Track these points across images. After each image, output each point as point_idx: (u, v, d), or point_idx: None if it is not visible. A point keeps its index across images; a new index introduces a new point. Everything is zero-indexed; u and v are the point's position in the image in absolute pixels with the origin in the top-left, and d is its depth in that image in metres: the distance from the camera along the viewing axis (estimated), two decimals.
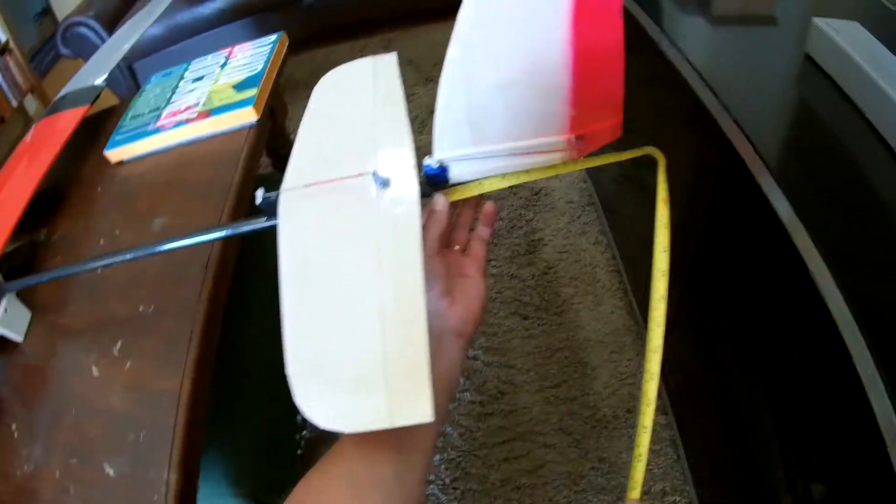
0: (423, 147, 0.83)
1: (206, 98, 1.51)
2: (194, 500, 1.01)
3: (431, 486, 2.14)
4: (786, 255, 1.03)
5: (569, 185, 2.98)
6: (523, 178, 0.89)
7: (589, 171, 2.86)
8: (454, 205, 0.88)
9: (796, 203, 1.04)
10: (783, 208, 1.06)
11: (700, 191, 1.56)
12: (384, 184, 0.77)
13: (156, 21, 1.71)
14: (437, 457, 2.20)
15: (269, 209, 0.82)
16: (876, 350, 0.87)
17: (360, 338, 0.67)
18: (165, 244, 0.93)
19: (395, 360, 0.64)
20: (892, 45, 1.16)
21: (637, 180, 2.12)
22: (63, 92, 1.59)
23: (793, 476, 1.26)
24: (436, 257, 0.82)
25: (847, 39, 1.20)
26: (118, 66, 1.61)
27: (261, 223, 0.87)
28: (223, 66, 1.62)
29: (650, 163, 0.93)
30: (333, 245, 0.75)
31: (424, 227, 0.83)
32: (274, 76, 1.58)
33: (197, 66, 1.67)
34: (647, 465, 1.90)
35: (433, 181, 0.86)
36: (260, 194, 0.84)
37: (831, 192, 1.08)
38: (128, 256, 0.95)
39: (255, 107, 1.44)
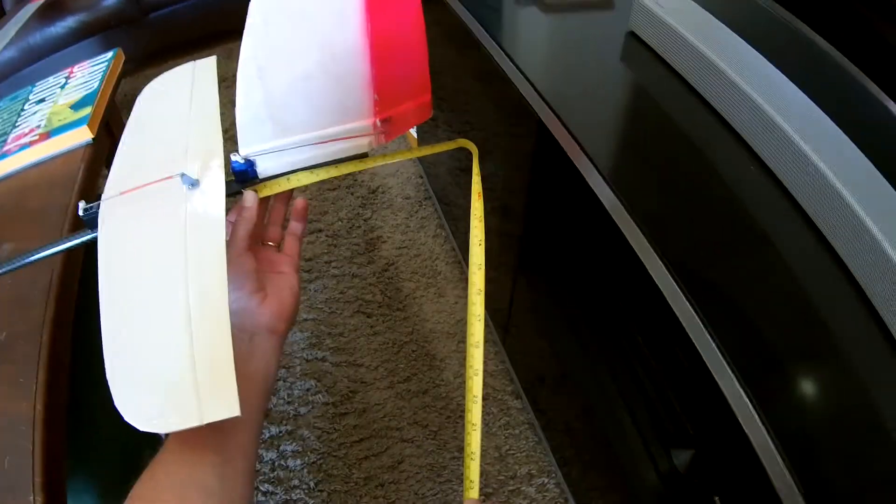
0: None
1: (47, 119, 1.48)
2: None
3: (297, 492, 2.13)
4: (611, 236, 1.06)
5: (405, 182, 3.00)
6: (333, 173, 0.89)
7: (424, 166, 2.90)
8: (265, 201, 0.87)
9: (616, 184, 1.07)
10: (603, 191, 1.08)
11: (526, 181, 1.58)
12: (192, 184, 0.76)
13: (9, 43, 1.66)
14: (298, 461, 2.18)
15: (91, 221, 0.81)
16: (709, 321, 0.90)
17: (169, 339, 0.66)
18: None
19: (202, 358, 0.64)
20: (723, 14, 1.20)
21: (471, 171, 2.12)
22: None
23: (651, 446, 1.29)
24: (246, 254, 0.81)
25: (668, 11, 1.23)
26: None
27: (85, 235, 0.84)
28: (63, 86, 1.59)
29: (483, 154, 0.93)
30: (145, 249, 0.74)
31: (233, 225, 0.83)
32: (109, 93, 1.55)
33: (40, 87, 1.63)
34: (510, 450, 1.93)
35: (241, 177, 0.85)
36: (81, 206, 0.82)
37: (653, 168, 1.10)
38: None
39: (90, 125, 1.43)
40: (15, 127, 1.50)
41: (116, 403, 0.63)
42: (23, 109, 1.56)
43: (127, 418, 0.62)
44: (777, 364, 0.88)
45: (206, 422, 0.60)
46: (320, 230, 2.80)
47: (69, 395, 1.12)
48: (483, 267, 0.91)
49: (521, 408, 2.25)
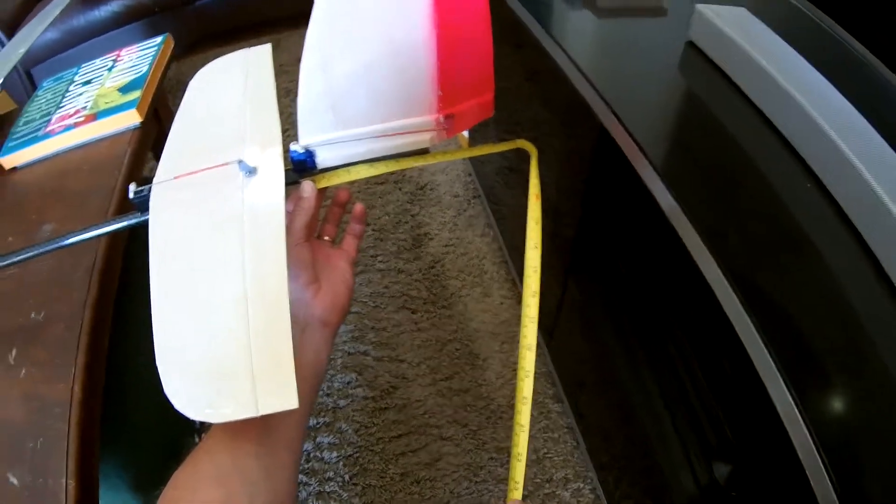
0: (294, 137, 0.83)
1: (93, 102, 1.48)
2: None
3: (331, 484, 2.12)
4: (667, 241, 1.04)
5: (454, 179, 2.99)
6: (393, 167, 0.89)
7: (473, 164, 2.89)
8: (322, 193, 0.87)
9: (675, 190, 1.05)
10: (662, 196, 1.07)
11: (582, 183, 1.57)
12: (250, 172, 0.76)
13: (52, 25, 1.67)
14: (335, 454, 2.18)
15: (142, 204, 0.80)
16: (763, 329, 0.88)
17: (224, 328, 0.66)
18: (37, 249, 0.90)
19: (259, 348, 0.64)
20: (780, 27, 1.18)
21: (521, 172, 2.12)
22: None
23: (692, 456, 1.27)
24: (302, 245, 0.81)
25: (729, 22, 1.22)
26: (17, 71, 1.56)
27: (134, 218, 0.85)
28: (110, 69, 1.60)
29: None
30: (199, 235, 0.74)
31: (291, 215, 0.82)
32: (158, 78, 1.56)
33: (86, 69, 1.63)
34: (547, 454, 1.92)
35: (300, 167, 0.85)
36: (132, 189, 0.82)
37: (711, 176, 1.09)
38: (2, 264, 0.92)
39: (139, 109, 1.43)
40: (59, 108, 1.50)
41: (167, 392, 0.63)
42: (67, 91, 1.56)
43: (178, 407, 0.62)
44: (828, 376, 0.87)
45: (262, 413, 0.60)
46: (367, 224, 2.73)
47: (105, 380, 1.12)
48: (539, 270, 0.90)
49: (561, 411, 2.23)
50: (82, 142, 1.43)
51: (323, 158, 0.86)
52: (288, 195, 0.77)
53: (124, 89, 1.49)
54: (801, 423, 0.82)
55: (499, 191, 2.56)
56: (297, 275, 0.80)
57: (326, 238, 0.91)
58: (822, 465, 0.80)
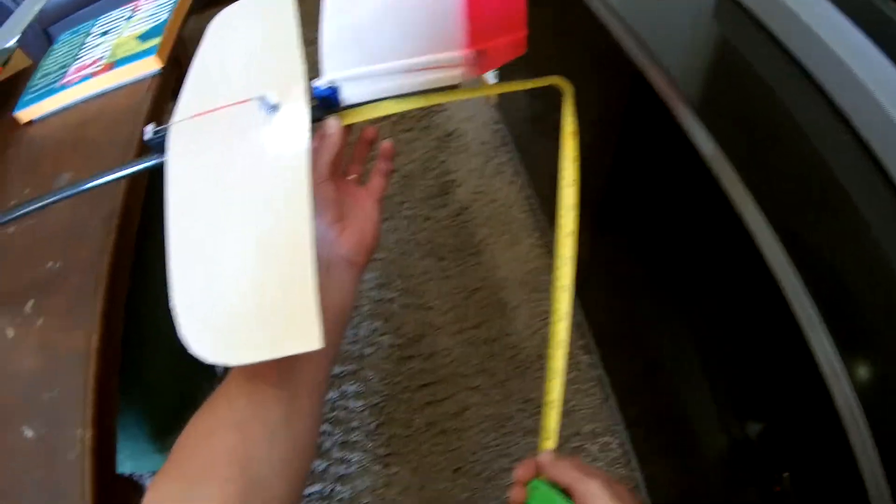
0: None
1: (111, 51, 1.44)
2: (113, 455, 0.98)
3: (356, 433, 2.13)
4: (706, 188, 1.01)
5: (482, 126, 2.94)
6: (422, 103, 0.85)
7: (502, 111, 2.85)
8: (348, 130, 0.84)
9: (718, 136, 1.02)
10: (704, 142, 1.03)
11: (612, 127, 1.53)
12: (272, 108, 0.73)
13: None
14: (360, 402, 2.18)
15: (160, 145, 0.78)
16: (808, 283, 0.86)
17: (244, 268, 0.64)
18: (55, 195, 0.87)
19: (281, 288, 0.62)
20: None
21: (551, 120, 2.07)
22: None
23: (725, 414, 1.25)
24: (327, 183, 0.79)
25: None
26: (34, 30, 1.55)
27: (151, 160, 0.82)
28: (129, 18, 1.55)
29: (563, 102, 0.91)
30: (219, 174, 0.72)
31: (315, 152, 0.79)
32: (179, 25, 1.52)
33: (104, 21, 1.60)
34: (576, 406, 1.90)
35: (324, 104, 0.82)
36: (149, 129, 0.80)
37: (752, 125, 1.06)
38: (17, 213, 0.89)
39: (159, 55, 1.39)
40: (77, 59, 1.47)
41: (183, 335, 0.62)
42: (85, 42, 1.53)
43: (195, 351, 0.61)
44: (873, 333, 0.83)
45: (283, 354, 0.58)
46: (394, 171, 2.70)
47: (124, 328, 1.11)
48: (575, 208, 0.88)
49: (590, 363, 2.21)
50: (100, 91, 1.40)
51: (348, 94, 0.82)
52: (312, 132, 0.74)
53: (143, 37, 1.45)
54: (843, 379, 0.80)
55: (527, 139, 2.53)
56: (321, 213, 0.78)
57: (352, 177, 0.89)
58: (863, 423, 0.77)
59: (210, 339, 0.61)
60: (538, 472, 0.84)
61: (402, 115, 2.88)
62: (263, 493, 0.64)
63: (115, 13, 1.60)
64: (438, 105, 2.93)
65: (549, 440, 0.86)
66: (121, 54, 1.41)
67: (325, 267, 0.76)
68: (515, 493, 0.85)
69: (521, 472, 0.84)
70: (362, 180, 0.90)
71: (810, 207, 0.95)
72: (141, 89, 1.37)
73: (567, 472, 0.78)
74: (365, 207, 0.85)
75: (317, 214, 0.75)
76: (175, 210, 0.69)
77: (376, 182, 0.90)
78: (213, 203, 0.70)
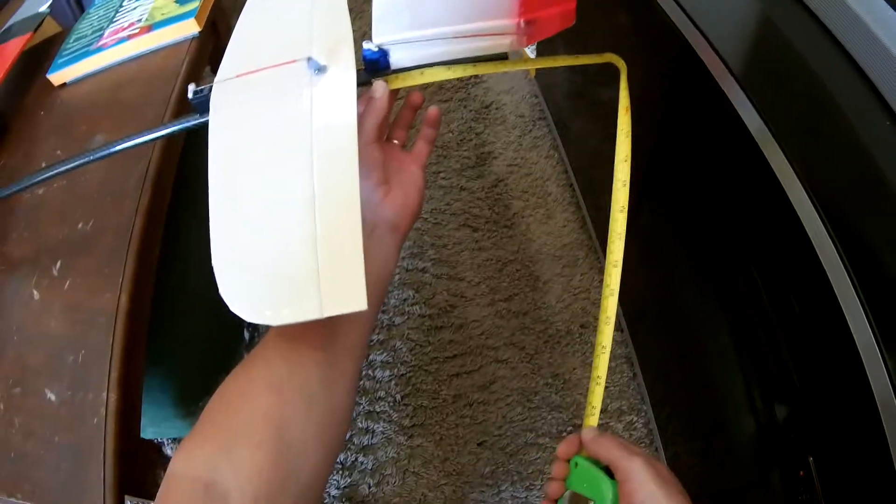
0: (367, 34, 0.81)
1: (149, 14, 1.43)
2: (137, 419, 0.99)
3: (382, 403, 2.12)
4: (751, 165, 1.01)
5: (520, 100, 2.92)
6: (470, 71, 0.85)
7: (541, 85, 2.83)
8: (395, 94, 0.84)
9: (765, 112, 1.01)
10: (751, 118, 1.03)
11: (659, 102, 1.52)
12: (320, 70, 0.73)
13: None
14: (387, 372, 2.17)
15: (202, 105, 0.78)
16: (852, 264, 0.85)
17: (289, 228, 0.64)
18: (90, 155, 0.87)
19: (327, 248, 0.62)
20: None
21: (591, 95, 2.08)
22: (8, 24, 1.52)
23: (754, 396, 1.24)
24: (373, 145, 0.80)
25: None
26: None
27: (193, 120, 0.82)
28: None
29: (604, 78, 0.92)
30: (264, 135, 0.72)
31: (362, 115, 0.79)
32: None
33: None
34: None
35: (372, 67, 0.82)
36: (192, 89, 0.80)
37: (797, 104, 1.05)
38: (50, 173, 0.89)
39: (198, 18, 1.38)
40: (112, 22, 1.46)
41: (223, 294, 0.61)
42: (121, 6, 1.52)
43: (235, 309, 0.60)
44: None
45: (327, 315, 0.58)
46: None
47: (153, 292, 1.11)
48: (628, 184, 0.87)
49: (620, 340, 2.20)
50: (136, 54, 1.39)
51: (397, 59, 0.82)
52: (359, 96, 0.74)
53: (182, 1, 1.44)
54: (882, 365, 0.79)
55: (566, 114, 2.51)
56: (366, 175, 0.78)
57: (396, 142, 0.89)
58: None
59: (250, 298, 0.61)
60: (580, 449, 0.84)
61: (440, 86, 2.86)
62: (298, 459, 0.64)
63: None
64: (477, 77, 2.92)
65: (594, 416, 0.87)
66: (158, 17, 1.40)
67: (369, 230, 0.76)
68: (557, 469, 0.85)
69: (563, 447, 0.85)
70: (406, 146, 0.90)
71: (856, 189, 0.94)
72: (178, 52, 1.37)
73: (610, 450, 0.78)
74: (409, 172, 0.85)
75: (362, 176, 0.75)
76: (217, 169, 0.69)
77: (421, 147, 0.90)
78: (256, 162, 0.70)
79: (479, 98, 2.92)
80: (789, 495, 1.10)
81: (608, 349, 0.87)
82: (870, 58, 1.03)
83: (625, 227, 0.86)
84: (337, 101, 0.70)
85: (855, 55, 1.04)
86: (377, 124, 0.80)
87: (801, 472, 1.04)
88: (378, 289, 0.77)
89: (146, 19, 1.42)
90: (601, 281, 2.28)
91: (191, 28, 1.38)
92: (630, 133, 0.89)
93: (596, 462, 0.81)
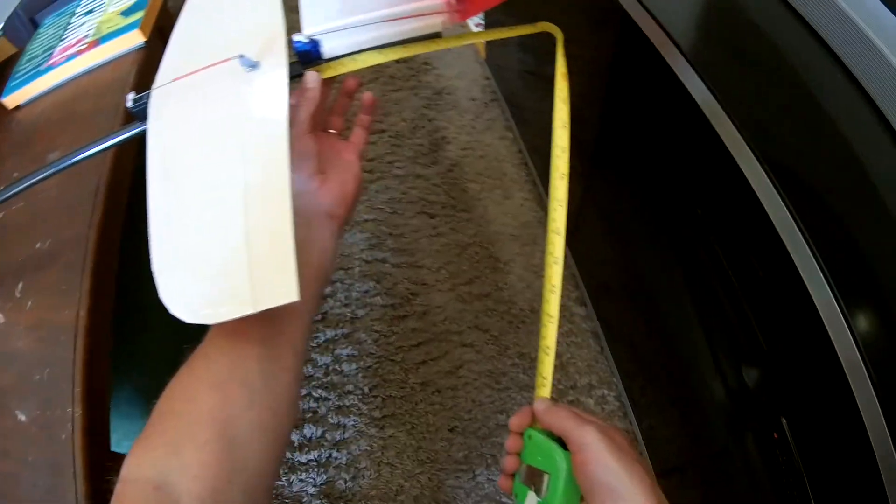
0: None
1: (96, 28, 1.44)
2: (106, 433, 0.99)
3: (351, 397, 2.11)
4: (699, 134, 1.01)
5: (471, 83, 2.92)
6: (402, 53, 0.85)
7: (492, 68, 2.84)
8: (329, 83, 0.86)
9: (709, 80, 1.01)
10: (695, 87, 1.03)
11: (603, 78, 1.52)
12: (252, 66, 0.75)
13: None
14: (354, 365, 2.16)
15: (142, 113, 0.79)
16: (805, 225, 0.85)
17: (224, 225, 0.65)
18: (38, 175, 0.88)
19: (259, 242, 0.63)
20: None
21: (542, 73, 2.09)
22: None
23: (722, 362, 1.25)
24: (307, 136, 0.81)
25: None
26: (19, 17, 1.54)
27: (134, 129, 0.83)
28: None
29: (553, 57, 0.91)
30: (198, 135, 0.73)
31: (295, 107, 0.81)
32: (162, 1, 1.52)
33: (88, 0, 1.60)
34: (571, 359, 1.89)
35: (305, 58, 0.83)
36: (130, 98, 0.81)
37: (742, 68, 1.05)
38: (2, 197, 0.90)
39: (142, 28, 1.40)
40: (62, 40, 1.47)
41: (162, 297, 0.63)
42: (69, 23, 1.52)
43: (173, 311, 0.62)
44: (873, 277, 0.83)
45: (260, 308, 0.59)
46: (383, 130, 2.72)
47: (117, 304, 1.11)
48: (567, 151, 0.87)
49: (585, 315, 2.21)
50: (86, 69, 1.39)
51: (329, 48, 0.83)
52: (294, 89, 0.76)
53: (127, 12, 1.45)
54: (843, 322, 0.79)
55: (519, 94, 2.51)
56: (301, 166, 0.79)
57: (333, 131, 0.90)
58: (863, 367, 0.77)
59: (187, 300, 0.62)
60: (533, 421, 0.83)
61: (390, 76, 2.85)
62: (243, 453, 0.64)
63: None
64: (427, 64, 2.92)
65: (545, 387, 0.86)
66: (105, 31, 1.41)
67: (305, 221, 0.75)
68: (511, 442, 0.85)
69: (515, 420, 0.85)
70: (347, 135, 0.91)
71: (806, 149, 0.93)
72: (126, 63, 1.38)
73: (562, 421, 0.77)
74: (346, 160, 0.86)
75: (296, 168, 0.76)
76: (155, 173, 0.70)
77: (357, 134, 0.92)
78: (192, 164, 0.70)
79: (430, 85, 2.91)
80: (766, 458, 1.10)
81: (556, 318, 0.85)
82: (820, 16, 1.02)
83: (566, 194, 0.86)
84: (268, 96, 0.71)
85: (805, 15, 1.04)
86: (310, 115, 0.81)
87: (776, 435, 1.04)
88: (318, 279, 0.77)
89: (94, 34, 1.42)
90: None
91: (136, 39, 1.40)
92: (568, 100, 0.88)
93: (549, 434, 0.80)
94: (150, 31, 1.41)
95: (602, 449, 0.71)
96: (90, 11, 1.52)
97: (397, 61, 2.79)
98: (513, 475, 0.85)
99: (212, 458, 0.61)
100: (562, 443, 0.77)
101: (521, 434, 0.84)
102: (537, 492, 0.79)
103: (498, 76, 2.80)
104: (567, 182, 0.86)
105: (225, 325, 0.63)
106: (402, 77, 2.89)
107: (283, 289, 0.58)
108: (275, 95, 0.70)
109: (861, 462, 0.81)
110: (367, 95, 0.94)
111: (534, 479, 0.80)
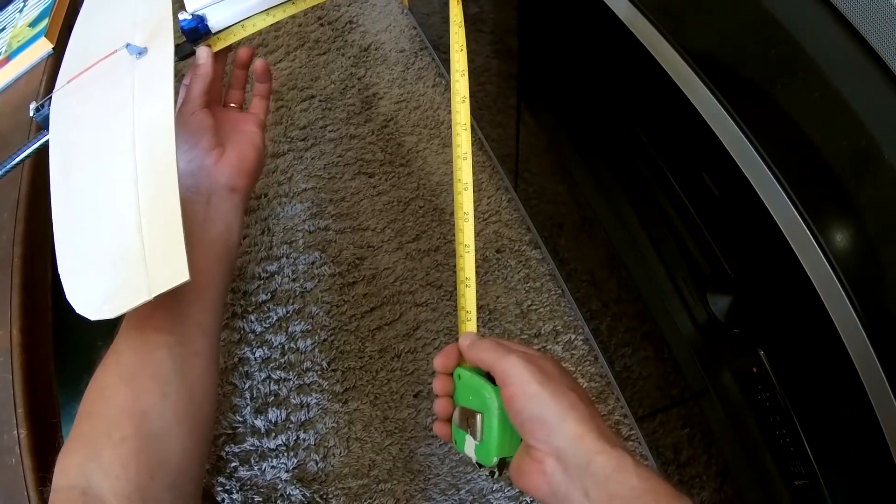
0: None
1: (7, 45, 1.44)
2: (55, 450, 0.94)
3: (310, 374, 2.07)
4: (627, 48, 0.95)
5: (398, 35, 2.88)
6: (290, 11, 0.89)
7: (417, 16, 2.80)
8: (222, 57, 0.90)
9: None
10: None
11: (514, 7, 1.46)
12: (140, 53, 0.77)
13: None
14: (308, 341, 2.12)
15: (46, 120, 0.81)
16: (754, 133, 0.77)
17: (118, 216, 0.65)
18: None
19: (150, 228, 0.63)
20: None
21: (467, 14, 2.00)
22: None
23: (685, 293, 1.20)
24: (202, 112, 0.83)
25: None
26: None
27: (39, 139, 0.82)
28: (21, 9, 1.56)
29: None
30: (95, 130, 0.74)
31: (188, 85, 0.84)
32: (67, 2, 1.49)
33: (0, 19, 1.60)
34: (531, 306, 1.82)
35: (193, 36, 0.86)
36: (32, 107, 0.83)
37: None
38: None
39: (48, 35, 1.39)
40: None
41: (68, 296, 0.63)
42: None
43: (78, 310, 0.62)
44: (837, 186, 0.75)
45: (154, 294, 0.59)
46: (313, 96, 2.68)
47: (66, 315, 1.04)
48: (466, 74, 0.88)
49: (541, 258, 2.16)
50: (2, 87, 1.39)
51: (216, 21, 0.86)
52: (188, 68, 0.82)
53: (34, 23, 1.45)
54: (811, 238, 0.72)
55: (446, 39, 2.43)
56: (196, 142, 0.80)
57: (233, 105, 0.94)
58: (838, 285, 0.70)
59: (89, 297, 0.63)
60: (461, 359, 0.81)
61: (315, 40, 2.79)
62: (162, 445, 0.65)
63: (10, 8, 1.64)
64: (352, 23, 2.88)
65: (470, 321, 0.84)
66: (15, 45, 1.43)
67: (205, 197, 0.78)
68: (439, 384, 0.82)
69: (440, 360, 0.82)
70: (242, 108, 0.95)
71: (734, 38, 0.86)
72: (38, 73, 1.37)
73: (486, 353, 0.74)
74: (245, 131, 0.87)
75: (192, 145, 0.79)
76: (55, 177, 0.71)
77: (256, 104, 0.94)
78: (87, 161, 0.71)
79: (356, 43, 2.86)
80: (748, 394, 1.05)
81: (472, 248, 0.86)
82: None
83: (468, 118, 0.88)
84: (154, 79, 0.72)
85: None
86: (203, 90, 0.83)
87: (755, 369, 0.99)
88: (223, 255, 0.78)
89: (5, 51, 1.43)
90: (509, 201, 2.22)
91: (44, 47, 1.39)
92: (462, 24, 0.91)
93: (478, 371, 0.77)
94: (57, 37, 1.41)
95: (528, 379, 0.67)
96: (2, 29, 1.55)
97: (321, 24, 2.76)
98: (449, 421, 0.80)
99: (130, 455, 0.62)
100: (492, 379, 0.73)
101: (452, 375, 0.80)
102: (473, 435, 0.76)
103: (424, 24, 2.75)
104: (468, 105, 0.88)
105: (133, 317, 0.66)
106: (327, 39, 2.84)
107: (173, 271, 0.58)
108: (160, 77, 0.72)
109: (847, 386, 0.75)
110: (258, 63, 0.95)
111: (469, 421, 0.77)
